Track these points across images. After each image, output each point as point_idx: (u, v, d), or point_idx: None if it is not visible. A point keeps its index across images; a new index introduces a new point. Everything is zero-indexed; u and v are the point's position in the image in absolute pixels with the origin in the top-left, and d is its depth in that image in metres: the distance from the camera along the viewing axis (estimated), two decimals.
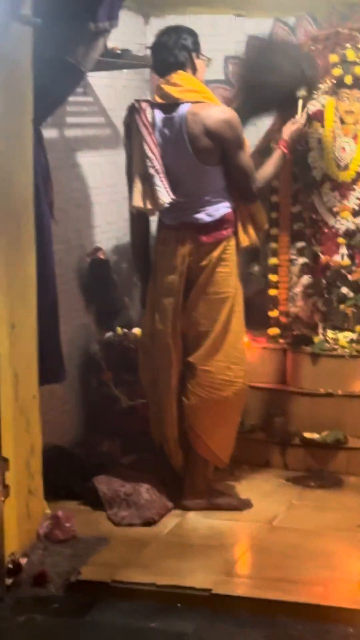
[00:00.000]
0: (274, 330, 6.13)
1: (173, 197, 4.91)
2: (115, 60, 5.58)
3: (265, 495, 5.38)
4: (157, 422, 5.24)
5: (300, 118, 5.50)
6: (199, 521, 5.03)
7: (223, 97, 6.36)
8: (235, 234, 5.08)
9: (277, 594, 4.21)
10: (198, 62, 5.07)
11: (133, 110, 5.02)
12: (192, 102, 4.95)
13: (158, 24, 6.28)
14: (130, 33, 6.27)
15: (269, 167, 5.23)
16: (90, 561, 4.54)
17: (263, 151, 6.04)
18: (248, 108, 5.50)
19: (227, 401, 5.08)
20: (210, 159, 4.95)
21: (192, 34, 5.09)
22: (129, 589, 4.33)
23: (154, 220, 5.26)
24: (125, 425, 5.69)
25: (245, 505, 5.21)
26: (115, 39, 5.41)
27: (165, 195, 4.90)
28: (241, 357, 5.12)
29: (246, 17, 6.43)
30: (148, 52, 6.01)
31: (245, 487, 5.47)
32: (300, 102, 5.57)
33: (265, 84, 5.49)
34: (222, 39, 6.41)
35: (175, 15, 6.40)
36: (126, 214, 5.26)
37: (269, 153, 5.96)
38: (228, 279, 5.05)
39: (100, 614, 4.21)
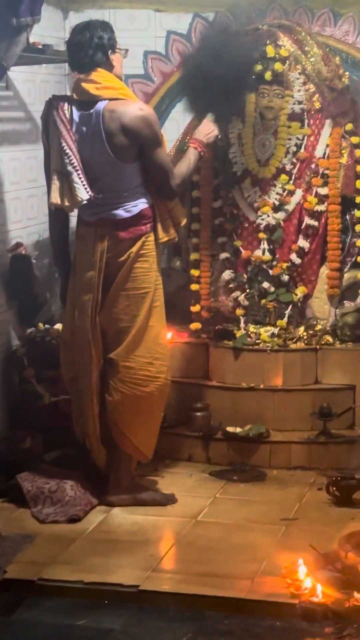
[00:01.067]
0: (195, 325, 6.15)
1: (91, 193, 4.90)
2: (37, 56, 5.54)
3: (189, 489, 5.40)
4: (79, 418, 5.23)
5: (215, 126, 5.50)
6: (124, 517, 5.04)
7: (143, 92, 6.38)
8: (154, 229, 5.07)
9: (204, 588, 4.24)
10: (115, 57, 5.04)
11: (51, 106, 4.99)
12: (110, 99, 4.93)
13: (77, 18, 6.29)
14: (49, 27, 6.23)
15: (183, 165, 5.22)
16: (16, 559, 4.51)
17: (182, 147, 6.07)
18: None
19: (149, 397, 5.09)
20: (127, 156, 4.94)
21: (108, 29, 5.04)
22: (55, 586, 4.32)
23: (73, 216, 5.24)
24: (48, 422, 5.65)
25: (169, 500, 5.22)
26: (34, 34, 5.35)
27: (83, 192, 4.88)
28: (163, 352, 5.13)
29: (165, 12, 6.43)
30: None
31: (169, 482, 5.48)
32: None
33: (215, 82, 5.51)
34: (141, 33, 6.42)
35: (94, 9, 6.40)
36: (47, 209, 5.22)
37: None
38: (147, 274, 5.06)
39: (27, 612, 4.19)
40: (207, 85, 5.51)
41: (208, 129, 5.43)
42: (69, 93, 6.19)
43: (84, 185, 4.89)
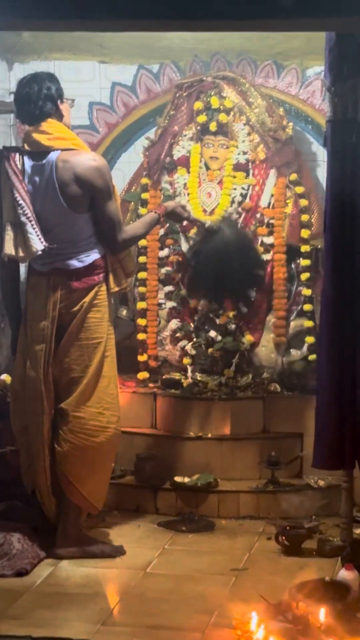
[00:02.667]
0: (143, 375, 6.14)
1: (45, 244, 4.89)
2: None
3: (137, 541, 5.36)
4: (28, 469, 5.18)
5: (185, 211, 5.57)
6: (72, 570, 4.98)
7: (88, 142, 6.40)
8: (106, 279, 5.08)
9: None
10: (63, 107, 5.07)
11: (2, 157, 4.98)
12: (62, 149, 4.95)
13: (22, 69, 6.30)
14: None
15: (140, 226, 5.26)
16: None
17: (128, 196, 6.10)
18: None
19: (99, 447, 5.05)
20: (80, 206, 4.95)
21: (54, 80, 5.08)
22: None
23: (23, 265, 5.22)
24: None
25: (118, 552, 5.17)
26: None
27: (37, 243, 4.87)
28: (113, 402, 5.11)
29: (110, 63, 6.47)
30: (12, 97, 6.00)
31: (118, 534, 5.43)
32: None
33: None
34: (86, 84, 6.44)
35: (39, 61, 6.41)
36: None
37: (134, 198, 6.03)
38: (100, 324, 5.05)
39: None
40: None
41: (178, 209, 5.51)
42: (14, 143, 6.21)
43: (38, 235, 4.89)
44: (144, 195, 6.20)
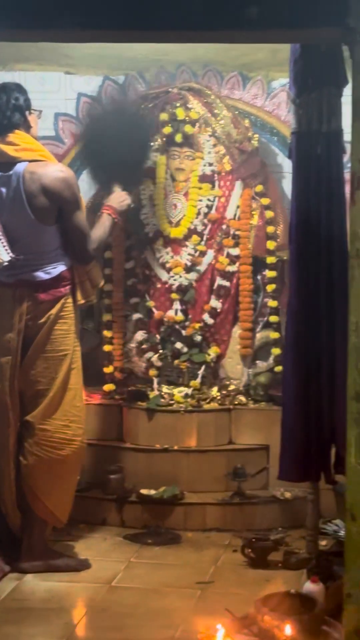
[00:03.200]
0: (109, 387, 6.12)
1: (12, 255, 4.86)
2: None
3: (103, 554, 5.33)
4: None
5: (127, 196, 5.54)
6: (37, 584, 4.93)
7: (54, 153, 6.35)
8: (73, 291, 5.06)
9: None
10: (31, 118, 5.07)
11: None
12: (29, 161, 4.93)
13: None
14: None
15: (99, 230, 5.23)
16: None
17: (94, 208, 6.07)
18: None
19: (65, 460, 5.02)
20: (47, 218, 4.93)
21: (22, 91, 5.08)
22: None
23: None
24: None
25: (83, 565, 5.14)
26: None
27: (3, 254, 4.85)
28: (80, 415, 5.09)
29: (76, 74, 6.45)
30: None
31: (83, 547, 5.40)
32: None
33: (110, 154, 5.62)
34: (52, 95, 6.41)
35: (4, 71, 6.37)
36: None
37: (99, 210, 6.00)
38: (66, 336, 5.03)
39: None
40: (104, 161, 5.64)
41: (120, 198, 5.47)
42: None
43: (4, 246, 4.86)
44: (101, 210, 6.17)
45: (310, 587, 4.41)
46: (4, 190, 4.93)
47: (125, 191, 5.55)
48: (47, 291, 4.98)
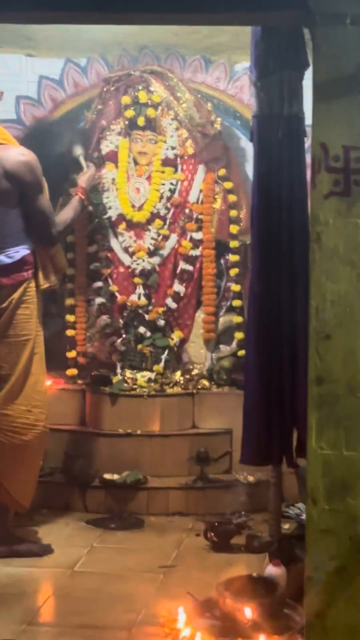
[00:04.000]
0: (72, 371, 6.10)
1: None
2: None
3: (66, 539, 5.32)
4: None
5: (88, 169, 5.55)
6: None
7: (15, 136, 6.31)
8: (35, 275, 5.03)
9: None
10: None
11: None
12: None
13: None
14: None
15: (68, 212, 5.24)
16: None
17: (56, 191, 6.04)
18: None
19: (28, 445, 5.00)
20: (9, 201, 4.90)
21: None
22: None
23: None
24: None
25: (45, 550, 5.13)
26: None
27: None
28: (42, 400, 5.06)
29: (37, 57, 6.39)
30: None
31: (46, 532, 5.39)
32: (81, 158, 5.82)
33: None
34: (13, 78, 6.36)
35: None
36: None
37: (62, 194, 5.98)
38: (29, 321, 5.00)
39: None
40: None
41: (87, 174, 5.53)
42: None
43: None
44: (72, 191, 6.13)
45: (272, 570, 4.41)
46: None
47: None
48: (9, 275, 4.95)
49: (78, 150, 5.91)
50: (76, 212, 5.33)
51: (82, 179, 5.54)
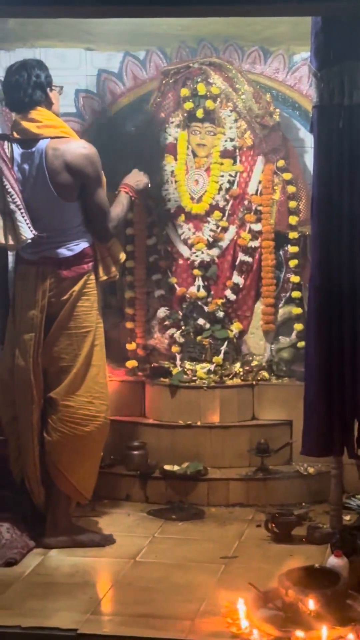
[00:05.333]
0: (131, 363, 6.12)
1: (35, 232, 4.86)
2: None
3: (127, 529, 5.35)
4: (17, 459, 5.17)
5: (145, 176, 5.55)
6: (62, 559, 4.97)
7: (75, 130, 6.35)
8: (95, 267, 5.06)
9: (144, 630, 4.18)
10: (52, 95, 5.06)
11: None
12: (52, 137, 4.93)
13: (8, 57, 6.24)
14: None
15: (117, 208, 5.22)
16: None
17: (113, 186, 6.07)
18: None
19: (89, 436, 5.04)
20: (69, 194, 4.93)
21: (43, 67, 5.07)
22: None
23: (11, 253, 5.20)
24: None
25: (107, 541, 5.16)
26: None
27: (27, 231, 4.85)
28: (103, 391, 5.10)
29: (96, 50, 6.42)
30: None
31: (107, 523, 5.43)
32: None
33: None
34: (72, 72, 6.38)
35: (25, 48, 6.35)
36: None
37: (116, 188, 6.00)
38: (89, 313, 5.04)
39: None
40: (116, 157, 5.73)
41: (137, 177, 5.48)
42: (0, 132, 6.17)
43: (27, 224, 4.86)
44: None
45: (334, 561, 4.42)
46: (26, 167, 4.93)
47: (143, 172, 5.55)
48: (70, 268, 4.99)
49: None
50: (124, 208, 5.29)
51: (128, 177, 5.48)
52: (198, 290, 6.08)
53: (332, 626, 4.03)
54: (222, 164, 6.05)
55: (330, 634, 3.99)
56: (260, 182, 6.05)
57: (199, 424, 5.84)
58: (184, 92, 6.05)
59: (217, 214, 6.04)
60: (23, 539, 5.06)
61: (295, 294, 6.05)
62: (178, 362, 6.03)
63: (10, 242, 4.89)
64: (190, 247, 6.09)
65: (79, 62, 6.46)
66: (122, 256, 5.28)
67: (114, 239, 5.19)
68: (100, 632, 4.19)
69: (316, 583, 4.26)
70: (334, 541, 4.76)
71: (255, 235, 6.05)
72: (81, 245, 5.01)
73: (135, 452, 5.76)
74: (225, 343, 6.04)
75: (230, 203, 6.07)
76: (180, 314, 6.10)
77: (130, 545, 5.13)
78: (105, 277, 5.12)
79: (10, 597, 4.54)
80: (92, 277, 5.05)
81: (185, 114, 6.06)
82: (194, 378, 5.93)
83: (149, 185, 5.65)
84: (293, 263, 6.04)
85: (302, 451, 5.02)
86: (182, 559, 4.96)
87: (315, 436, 4.88)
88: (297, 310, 6.04)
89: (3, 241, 4.89)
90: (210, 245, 6.07)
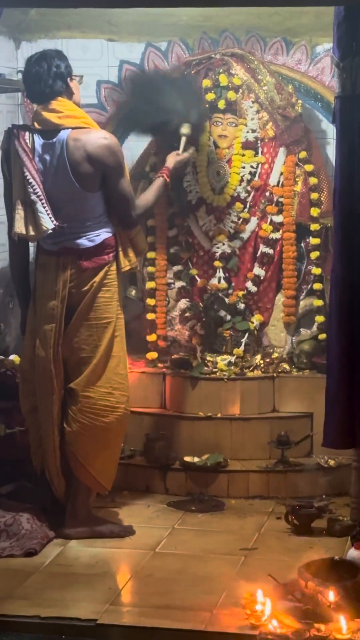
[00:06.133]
0: (152, 355, 6.12)
1: (56, 223, 4.86)
2: None
3: (147, 521, 5.35)
4: (37, 449, 5.17)
5: (183, 153, 5.54)
6: (81, 550, 4.97)
7: (96, 121, 6.34)
8: (116, 258, 5.05)
9: (163, 621, 4.18)
10: (72, 85, 5.05)
11: (11, 135, 4.95)
12: (73, 128, 4.92)
13: (29, 48, 6.26)
14: (1, 57, 6.21)
15: (150, 194, 5.22)
16: None
17: (137, 175, 6.06)
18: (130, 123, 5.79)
19: (109, 427, 5.04)
20: (91, 185, 4.92)
21: (63, 57, 5.05)
22: (11, 622, 4.24)
23: (32, 244, 5.19)
24: (2, 454, 5.58)
25: (127, 532, 5.16)
26: None
27: (48, 222, 4.85)
28: (123, 382, 5.09)
29: (118, 41, 6.42)
30: (20, 76, 5.95)
31: (127, 514, 5.43)
32: (183, 139, 5.66)
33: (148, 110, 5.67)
34: (94, 63, 6.39)
35: (47, 39, 6.36)
36: (1, 238, 5.17)
37: (143, 177, 5.99)
38: (110, 304, 5.03)
39: None
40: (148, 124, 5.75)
41: (177, 155, 5.51)
42: (22, 122, 6.18)
43: (48, 214, 4.86)
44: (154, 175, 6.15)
45: (355, 553, 4.41)
46: (47, 157, 4.92)
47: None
48: (91, 259, 4.98)
49: (186, 129, 5.70)
50: (159, 194, 5.28)
51: (171, 160, 5.50)
52: (219, 281, 6.07)
53: (352, 618, 4.01)
54: (243, 155, 6.03)
55: (350, 626, 3.98)
56: (281, 174, 6.03)
57: (219, 415, 5.83)
58: (206, 83, 6.03)
59: (238, 205, 6.03)
60: (43, 529, 5.07)
61: (317, 285, 6.02)
62: (199, 353, 6.02)
63: (32, 232, 4.88)
64: (212, 238, 6.08)
65: (100, 53, 6.46)
66: (146, 248, 5.27)
67: (138, 228, 5.17)
68: (120, 622, 4.19)
69: (336, 575, 4.25)
70: (355, 533, 4.74)
71: (276, 227, 6.03)
72: (102, 235, 5.00)
73: (156, 444, 5.76)
74: (246, 335, 6.02)
75: (252, 194, 6.06)
76: (201, 305, 6.09)
77: (149, 536, 5.13)
78: (126, 268, 5.11)
79: (30, 587, 4.54)
80: (113, 268, 5.04)
81: (207, 105, 6.04)
82: (214, 370, 5.92)
83: (189, 162, 5.73)
84: (314, 255, 6.02)
85: (324, 443, 5.01)
86: (202, 550, 4.96)
87: (336, 428, 4.87)
88: (318, 303, 6.02)
89: (24, 232, 4.88)
90: (231, 237, 6.06)
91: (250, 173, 6.04)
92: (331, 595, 4.06)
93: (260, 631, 4.02)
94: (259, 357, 6.01)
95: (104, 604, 4.33)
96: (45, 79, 4.96)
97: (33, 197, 4.85)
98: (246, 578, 4.53)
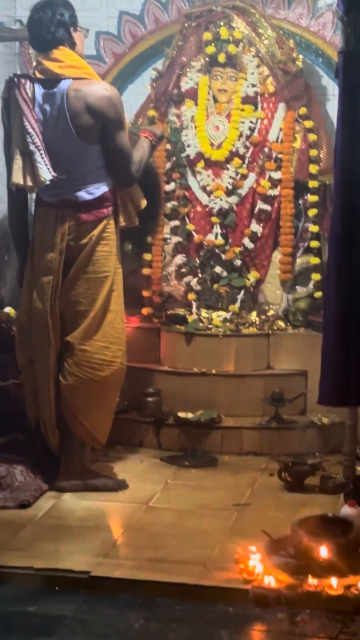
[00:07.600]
0: (147, 310, 6.10)
1: (54, 174, 4.82)
2: None
3: (140, 475, 5.36)
4: (32, 402, 5.16)
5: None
6: (75, 503, 4.98)
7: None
8: (115, 213, 5.02)
9: (156, 574, 4.20)
10: (76, 36, 4.99)
11: (12, 85, 4.89)
12: (74, 78, 4.87)
13: None
14: (0, 6, 6.13)
15: (138, 152, 5.12)
16: None
17: (133, 131, 6.00)
18: None
19: (105, 381, 5.03)
20: (90, 137, 4.88)
21: (68, 7, 4.99)
22: (5, 573, 4.25)
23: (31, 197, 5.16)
24: None
25: (121, 486, 5.17)
26: None
27: (46, 172, 4.80)
28: (120, 337, 5.08)
29: None
30: (19, 25, 5.89)
31: (121, 468, 5.43)
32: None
33: None
34: (93, 13, 6.31)
35: None
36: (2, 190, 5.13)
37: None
38: (108, 258, 5.00)
39: None
40: None
41: (159, 133, 5.40)
42: (19, 72, 6.11)
43: (46, 165, 4.82)
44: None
45: (348, 510, 4.42)
46: (47, 108, 4.87)
47: None
48: (90, 212, 4.94)
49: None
50: (146, 152, 5.19)
51: (149, 127, 5.46)
52: (216, 237, 6.04)
53: (345, 574, 4.03)
54: (243, 110, 5.98)
55: (342, 582, 4.00)
56: (281, 130, 5.99)
57: (213, 372, 5.83)
58: (207, 35, 5.98)
59: (236, 161, 5.99)
60: (36, 481, 5.08)
61: (314, 243, 6.00)
62: (194, 309, 6.01)
63: (29, 182, 4.84)
64: (209, 194, 6.04)
65: (99, 4, 6.40)
66: (143, 202, 5.22)
67: (135, 184, 5.13)
68: (113, 575, 4.20)
69: (329, 532, 4.26)
70: (347, 491, 4.76)
71: (274, 183, 6.00)
72: (101, 189, 4.96)
73: (150, 399, 5.76)
74: (242, 292, 6.01)
75: (251, 150, 6.01)
76: (198, 261, 6.07)
77: (143, 490, 5.14)
78: (125, 223, 5.08)
79: (23, 539, 4.55)
80: (112, 222, 5.01)
81: (207, 59, 5.99)
82: (209, 326, 5.91)
83: (164, 135, 5.61)
84: (312, 212, 5.99)
85: (318, 401, 5.00)
86: (195, 505, 4.97)
87: (332, 386, 4.86)
88: (315, 260, 5.99)
89: (22, 182, 4.84)
90: (229, 193, 6.02)
91: (249, 128, 6.00)
92: (324, 551, 4.08)
93: (252, 586, 4.04)
94: (254, 314, 6.00)
95: (98, 557, 4.35)
96: (48, 26, 4.89)
97: (32, 147, 4.80)
98: (239, 533, 4.54)
